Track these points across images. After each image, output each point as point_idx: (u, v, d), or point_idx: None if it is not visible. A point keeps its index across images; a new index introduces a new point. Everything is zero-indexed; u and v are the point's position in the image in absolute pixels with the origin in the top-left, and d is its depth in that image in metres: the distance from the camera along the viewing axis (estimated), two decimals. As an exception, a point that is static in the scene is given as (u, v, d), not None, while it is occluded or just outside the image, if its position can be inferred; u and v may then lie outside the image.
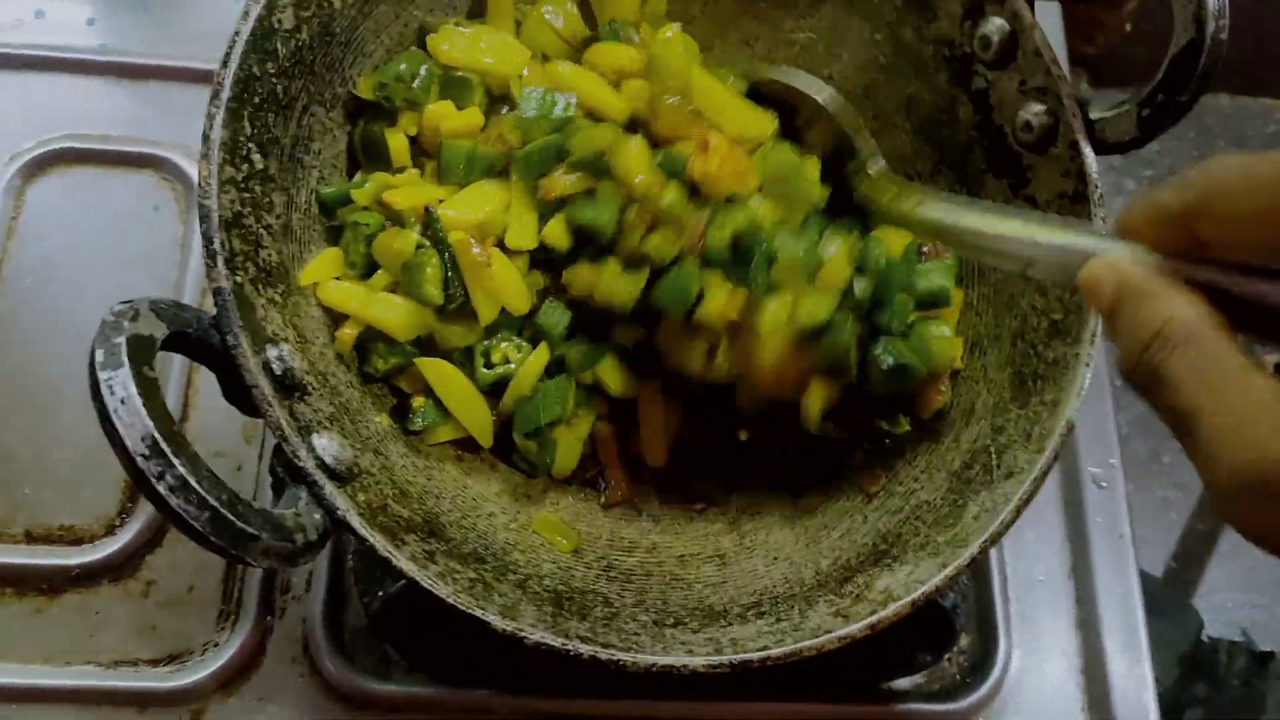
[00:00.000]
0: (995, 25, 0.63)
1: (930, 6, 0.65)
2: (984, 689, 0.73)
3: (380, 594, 0.61)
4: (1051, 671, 0.75)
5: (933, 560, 0.56)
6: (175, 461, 0.42)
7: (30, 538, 0.71)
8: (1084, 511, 0.79)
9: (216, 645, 0.69)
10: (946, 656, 0.74)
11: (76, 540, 0.71)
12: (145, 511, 0.72)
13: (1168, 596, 1.02)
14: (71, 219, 0.80)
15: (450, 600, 0.51)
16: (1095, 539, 0.78)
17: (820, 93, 0.65)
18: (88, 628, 0.69)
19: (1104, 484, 0.79)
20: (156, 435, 0.42)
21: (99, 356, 0.43)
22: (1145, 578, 0.77)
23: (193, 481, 0.42)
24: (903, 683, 0.73)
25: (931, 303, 0.64)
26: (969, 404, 0.64)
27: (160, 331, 0.47)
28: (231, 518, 0.43)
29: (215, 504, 0.43)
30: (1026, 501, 0.56)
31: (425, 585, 0.50)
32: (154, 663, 0.68)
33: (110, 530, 0.72)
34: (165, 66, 0.85)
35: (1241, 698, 1.05)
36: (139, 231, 0.78)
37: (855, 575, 0.59)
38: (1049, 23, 0.64)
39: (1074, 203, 0.61)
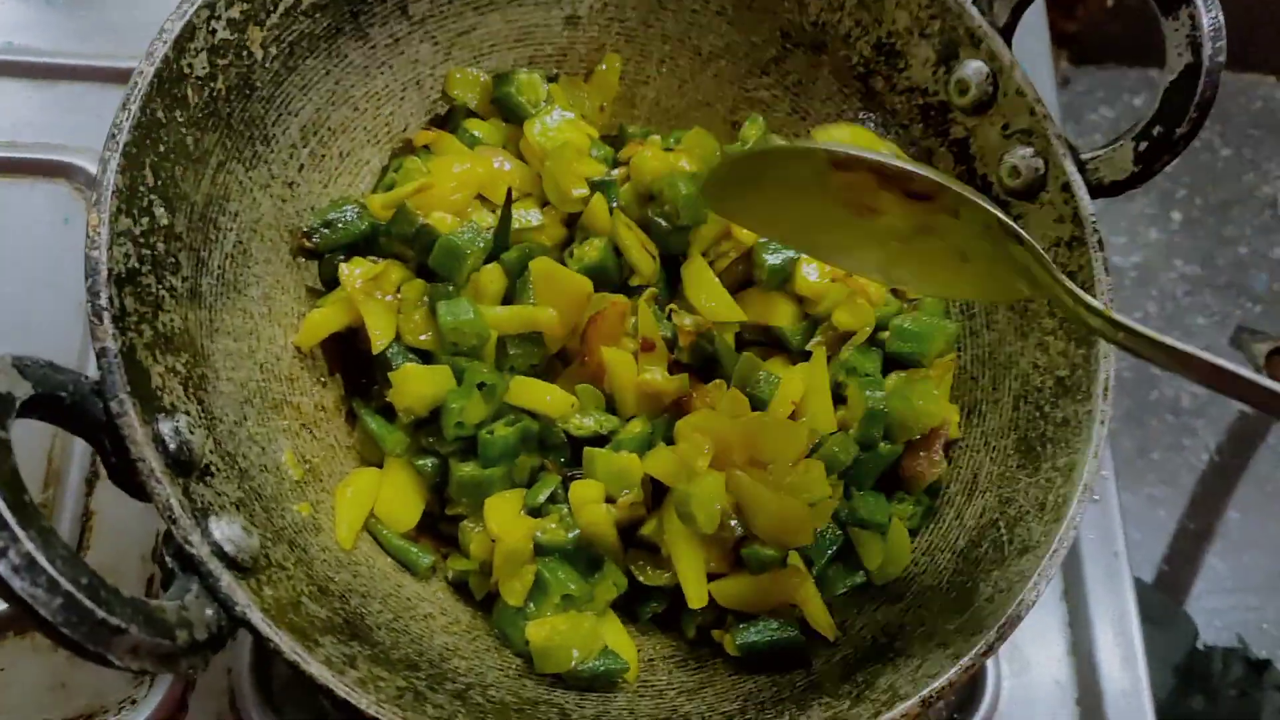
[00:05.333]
0: (972, 68, 0.59)
1: (901, 53, 0.61)
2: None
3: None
4: (1045, 702, 0.66)
5: (942, 652, 0.48)
6: (20, 535, 0.35)
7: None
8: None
9: (134, 702, 0.60)
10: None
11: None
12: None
13: (1161, 603, 0.96)
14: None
15: (372, 711, 0.42)
16: (1088, 557, 0.70)
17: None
18: (-9, 686, 0.60)
19: (1096, 496, 0.71)
20: (-1, 504, 0.35)
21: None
22: (1137, 584, 0.69)
23: (41, 560, 0.35)
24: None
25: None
26: (970, 476, 0.57)
27: (22, 391, 0.39)
28: (90, 604, 0.35)
29: (69, 588, 0.35)
30: (1048, 578, 0.49)
31: (341, 694, 0.42)
32: (66, 724, 0.60)
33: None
34: (79, 66, 0.77)
35: (1238, 709, 0.98)
36: (47, 247, 0.70)
37: (853, 673, 0.50)
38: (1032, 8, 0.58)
39: (1071, 249, 0.55)
